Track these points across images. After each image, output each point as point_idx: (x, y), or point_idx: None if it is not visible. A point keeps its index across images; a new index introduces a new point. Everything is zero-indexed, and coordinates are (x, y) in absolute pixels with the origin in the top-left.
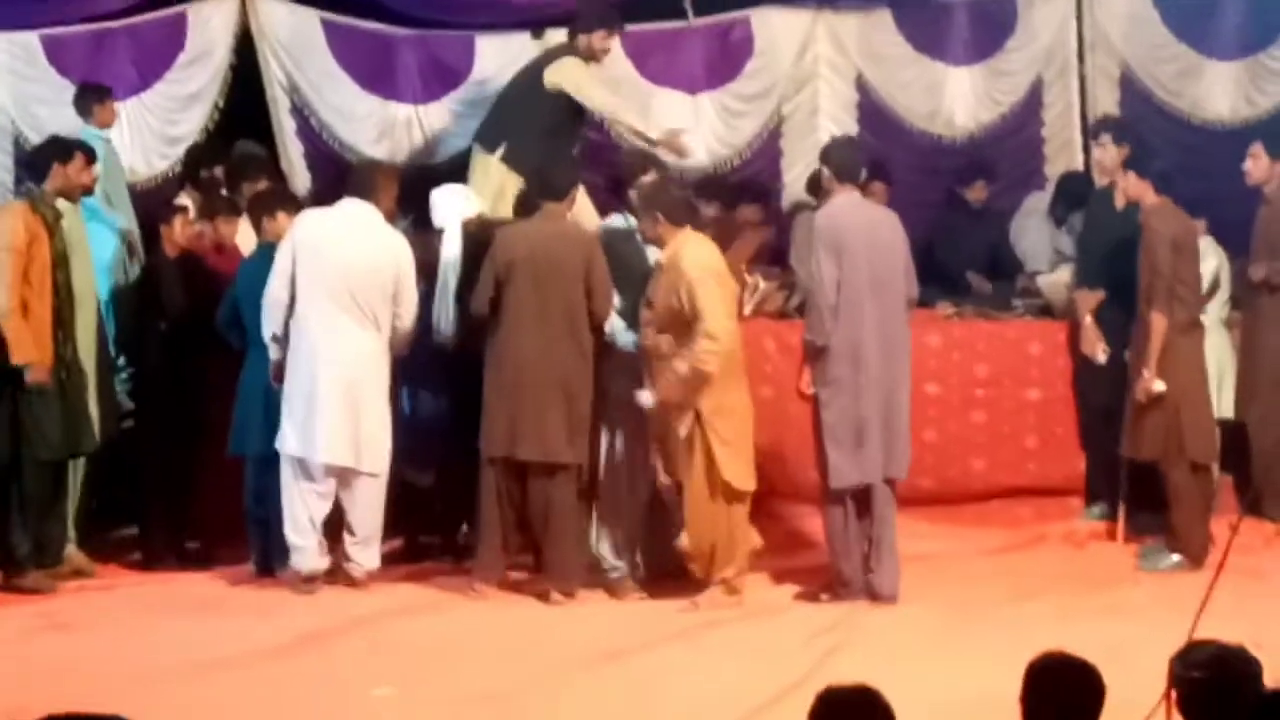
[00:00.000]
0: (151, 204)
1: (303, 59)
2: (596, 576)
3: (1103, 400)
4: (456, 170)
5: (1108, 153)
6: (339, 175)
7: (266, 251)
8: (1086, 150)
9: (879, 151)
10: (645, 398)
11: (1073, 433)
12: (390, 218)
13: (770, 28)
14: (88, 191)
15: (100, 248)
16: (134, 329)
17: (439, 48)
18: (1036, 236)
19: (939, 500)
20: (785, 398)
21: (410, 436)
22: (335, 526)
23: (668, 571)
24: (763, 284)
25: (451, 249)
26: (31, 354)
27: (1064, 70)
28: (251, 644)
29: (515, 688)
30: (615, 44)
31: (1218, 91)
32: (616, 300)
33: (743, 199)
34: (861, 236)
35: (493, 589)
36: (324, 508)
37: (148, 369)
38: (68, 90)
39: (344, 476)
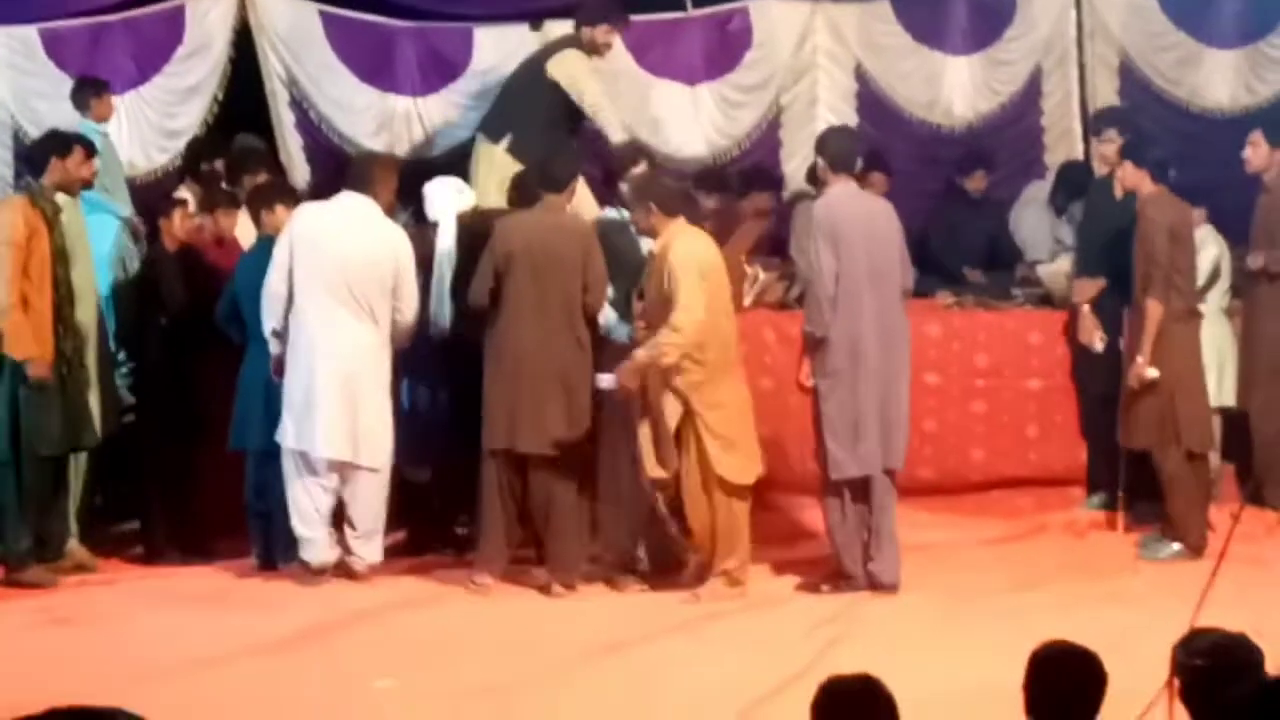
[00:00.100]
0: (151, 197)
1: (301, 52)
2: (597, 568)
3: (1101, 389)
4: (456, 162)
5: (1113, 147)
6: (338, 168)
7: (265, 245)
8: (1086, 139)
9: (878, 141)
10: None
11: (1073, 422)
12: (389, 211)
13: (769, 18)
14: (87, 185)
15: (101, 239)
16: (134, 324)
17: (438, 40)
18: (1036, 226)
19: (939, 490)
20: (785, 389)
21: (407, 432)
22: (337, 520)
23: (669, 563)
24: (763, 275)
25: (446, 241)
26: (32, 349)
27: (1063, 59)
28: (253, 638)
29: (516, 680)
30: (617, 39)
31: (1217, 80)
32: (610, 292)
33: (754, 186)
34: (859, 227)
35: (494, 581)
36: (329, 500)
37: (148, 364)
38: (66, 84)
39: (344, 471)
